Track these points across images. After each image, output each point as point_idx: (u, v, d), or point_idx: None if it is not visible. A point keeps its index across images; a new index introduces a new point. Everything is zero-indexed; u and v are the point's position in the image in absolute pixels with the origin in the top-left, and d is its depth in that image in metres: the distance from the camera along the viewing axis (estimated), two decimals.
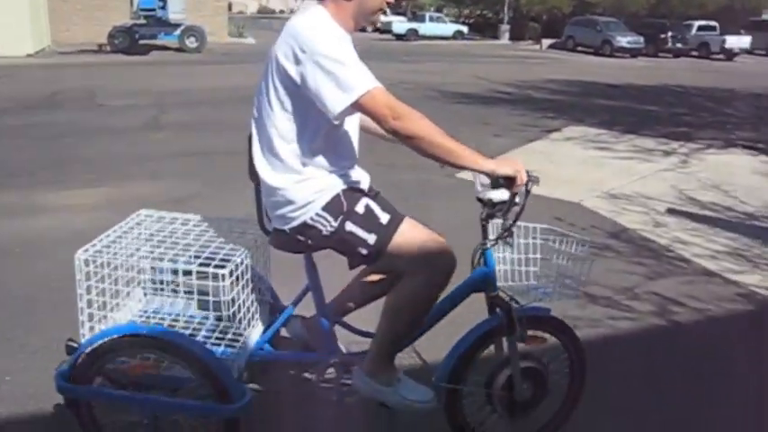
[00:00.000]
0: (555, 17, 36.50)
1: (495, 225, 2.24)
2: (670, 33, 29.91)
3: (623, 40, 28.77)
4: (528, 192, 2.08)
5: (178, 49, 22.04)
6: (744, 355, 3.40)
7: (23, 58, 18.35)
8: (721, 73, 21.92)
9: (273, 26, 45.55)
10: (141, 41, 21.83)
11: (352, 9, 2.13)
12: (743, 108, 13.04)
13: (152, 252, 2.28)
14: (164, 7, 21.64)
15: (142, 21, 21.90)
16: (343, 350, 2.43)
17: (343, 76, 1.97)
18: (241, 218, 2.57)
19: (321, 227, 2.15)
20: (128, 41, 21.30)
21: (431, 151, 2.01)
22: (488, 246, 2.25)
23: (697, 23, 31.77)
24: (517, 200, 2.09)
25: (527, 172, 2.06)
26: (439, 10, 42.59)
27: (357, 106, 1.99)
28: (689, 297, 3.99)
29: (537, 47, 32.65)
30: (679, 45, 29.92)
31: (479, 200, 2.16)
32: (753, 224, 5.62)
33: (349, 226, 2.14)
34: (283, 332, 2.54)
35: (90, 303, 2.23)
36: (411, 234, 2.16)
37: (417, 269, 2.14)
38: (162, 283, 2.40)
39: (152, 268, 2.39)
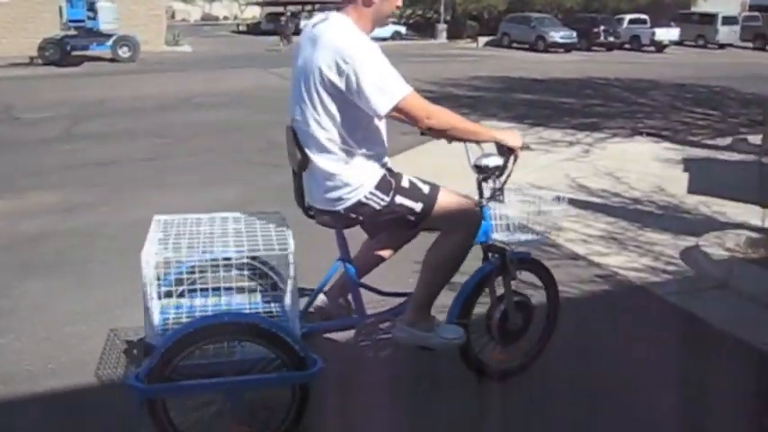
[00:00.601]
0: (494, 15, 37.04)
1: (487, 186, 2.75)
2: (602, 27, 30.63)
3: (556, 36, 29.37)
4: (516, 158, 2.65)
5: (111, 60, 21.72)
6: (585, 334, 3.59)
7: None
8: (649, 64, 22.61)
9: (213, 33, 45.29)
10: (73, 53, 21.44)
11: (371, 14, 2.50)
12: (659, 98, 13.49)
13: (203, 247, 2.49)
14: (94, 18, 21.32)
15: (74, 32, 21.53)
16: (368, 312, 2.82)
17: (383, 82, 2.38)
18: (255, 210, 2.87)
19: (374, 203, 2.56)
20: (59, 53, 20.86)
21: (459, 136, 2.56)
22: (484, 203, 2.76)
23: (628, 17, 32.67)
24: (509, 165, 2.64)
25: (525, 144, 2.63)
26: None
27: (397, 109, 2.40)
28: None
29: (474, 45, 33.07)
30: (611, 39, 30.66)
31: (476, 166, 2.69)
32: (636, 208, 5.88)
33: (399, 199, 2.57)
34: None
35: (154, 301, 2.43)
36: (448, 199, 2.63)
37: (455, 227, 2.63)
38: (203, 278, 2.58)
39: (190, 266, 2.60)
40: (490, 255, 2.86)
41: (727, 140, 8.79)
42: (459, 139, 2.59)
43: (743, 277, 4.21)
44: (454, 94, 13.05)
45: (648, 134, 9.41)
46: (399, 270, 3.32)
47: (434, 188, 2.64)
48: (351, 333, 2.83)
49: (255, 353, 2.41)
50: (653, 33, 30.90)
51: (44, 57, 20.76)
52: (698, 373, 3.23)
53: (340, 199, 2.56)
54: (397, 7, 2.60)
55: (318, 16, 2.59)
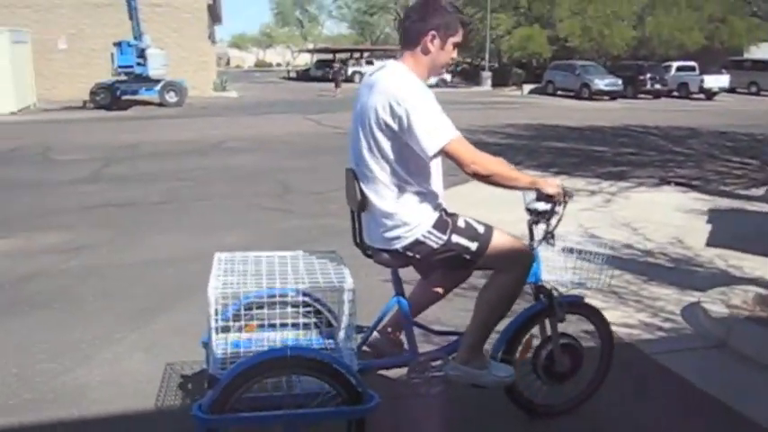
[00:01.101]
0: (541, 63, 37.08)
1: (539, 230, 2.80)
2: (649, 75, 30.28)
3: (601, 83, 29.15)
4: (565, 203, 2.70)
5: (159, 104, 22.49)
6: None
7: (6, 116, 18.74)
8: (693, 112, 22.15)
9: (262, 78, 46.54)
10: (123, 97, 22.34)
11: (427, 62, 2.65)
12: (696, 146, 13.14)
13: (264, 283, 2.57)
14: (144, 64, 22.19)
15: (124, 77, 22.43)
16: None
17: (433, 124, 2.49)
18: (309, 250, 2.96)
19: (431, 242, 2.64)
20: (109, 97, 21.79)
21: (501, 183, 2.59)
22: (534, 246, 2.83)
23: (676, 64, 32.24)
24: (558, 210, 2.70)
25: (564, 189, 2.67)
26: None
27: (443, 152, 2.49)
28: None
29: (518, 92, 33.09)
30: (658, 86, 30.24)
31: (528, 209, 2.76)
32: (645, 261, 5.64)
33: (455, 238, 2.66)
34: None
35: (219, 333, 2.53)
36: (502, 239, 2.71)
37: (509, 266, 2.70)
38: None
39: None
40: (541, 296, 2.92)
41: (761, 190, 8.45)
42: (502, 186, 2.63)
43: (743, 336, 3.95)
44: (484, 141, 12.96)
45: (677, 183, 9.12)
46: (450, 309, 3.38)
47: (489, 228, 2.73)
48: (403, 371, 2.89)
49: (314, 387, 2.49)
50: (702, 81, 30.36)
51: (95, 101, 21.72)
52: None
53: (398, 238, 2.65)
54: (452, 59, 2.74)
55: (377, 65, 2.76)
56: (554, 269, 2.95)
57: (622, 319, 4.33)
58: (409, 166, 2.59)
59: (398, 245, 2.66)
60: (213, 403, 2.33)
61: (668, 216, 7.26)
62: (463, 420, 3.13)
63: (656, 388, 3.49)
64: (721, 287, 4.69)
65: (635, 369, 3.69)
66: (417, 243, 2.65)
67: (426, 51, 2.63)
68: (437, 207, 2.71)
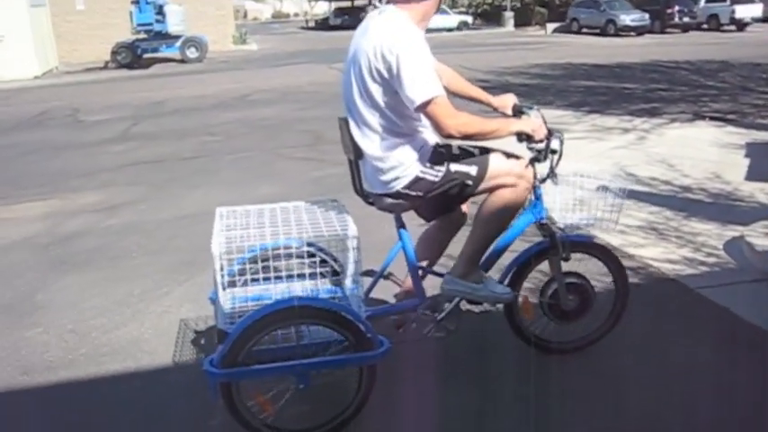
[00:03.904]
0: (564, 1, 36.04)
1: (540, 167, 2.75)
2: (677, 8, 29.25)
3: (627, 19, 28.28)
4: (561, 141, 2.68)
5: (180, 61, 22.39)
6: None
7: (30, 80, 18.84)
8: (724, 45, 21.45)
9: (281, 30, 46.00)
10: (144, 55, 22.25)
11: (423, 11, 2.60)
12: (729, 79, 12.77)
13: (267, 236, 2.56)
14: (163, 21, 22.01)
15: (144, 35, 22.31)
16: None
17: (421, 76, 2.43)
18: (313, 199, 2.96)
19: (431, 176, 2.63)
20: (130, 56, 21.72)
21: (481, 138, 2.59)
22: (537, 183, 2.78)
23: None
24: (555, 147, 2.66)
25: (549, 128, 2.68)
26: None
27: (427, 106, 2.45)
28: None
29: (542, 32, 32.32)
30: (687, 19, 29.22)
31: (528, 148, 2.70)
32: (684, 197, 5.57)
33: (454, 166, 2.66)
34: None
35: (225, 288, 2.53)
36: (500, 158, 2.71)
37: (510, 183, 2.67)
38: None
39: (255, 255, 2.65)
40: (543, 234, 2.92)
41: None
42: (484, 140, 2.62)
43: None
44: (510, 83, 12.75)
45: (712, 118, 8.91)
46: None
47: (485, 150, 2.74)
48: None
49: (323, 336, 2.51)
50: (733, 11, 29.26)
51: (116, 61, 21.69)
52: (721, 371, 3.01)
53: (397, 178, 2.64)
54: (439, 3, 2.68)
55: (376, 10, 2.67)
56: (564, 208, 2.88)
57: (664, 254, 4.31)
58: (399, 109, 2.56)
59: (398, 186, 2.65)
60: (224, 357, 2.34)
61: (704, 151, 7.11)
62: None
63: (703, 321, 3.48)
64: (765, 221, 4.62)
65: (680, 303, 3.68)
66: (417, 180, 2.64)
67: None
68: (429, 140, 2.70)
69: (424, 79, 2.44)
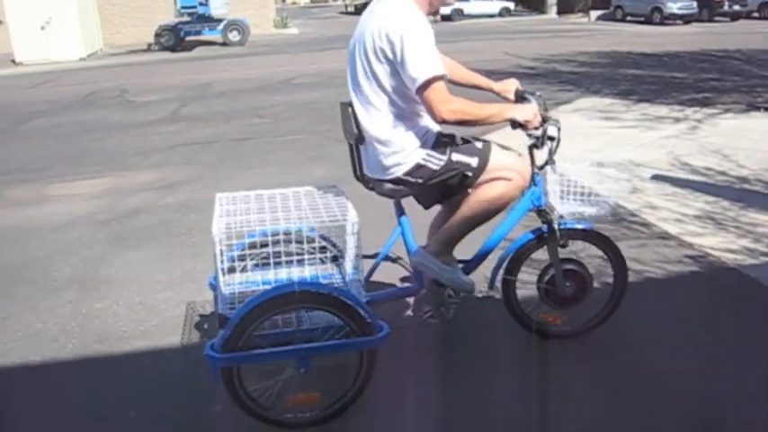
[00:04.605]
0: None
1: (538, 153, 2.78)
2: None
3: (674, 6, 27.60)
4: (559, 129, 2.69)
5: (222, 44, 22.60)
6: (662, 313, 3.42)
7: (76, 62, 19.22)
8: None
9: (320, 14, 46.03)
10: (187, 38, 22.52)
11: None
12: None
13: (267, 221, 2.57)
14: (206, 4, 22.22)
15: (187, 18, 22.56)
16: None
17: (423, 57, 2.45)
18: (312, 185, 2.99)
19: (432, 164, 2.64)
20: (173, 39, 22.00)
21: (474, 124, 2.57)
22: (535, 170, 2.81)
23: None
24: (553, 134, 2.68)
25: (543, 115, 2.68)
26: None
27: (422, 88, 2.47)
28: (632, 259, 3.93)
29: (585, 19, 31.80)
30: (736, 7, 28.44)
31: (527, 135, 2.72)
32: (741, 187, 5.47)
33: (455, 156, 2.67)
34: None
35: (225, 273, 2.56)
36: (501, 153, 2.74)
37: (507, 176, 2.68)
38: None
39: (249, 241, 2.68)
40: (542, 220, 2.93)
41: None
42: (478, 125, 2.62)
43: None
44: (557, 70, 12.62)
45: (767, 109, 8.72)
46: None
47: (487, 143, 2.75)
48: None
49: (323, 321, 2.51)
50: None
51: (160, 43, 21.98)
52: None
53: (398, 164, 2.66)
54: None
55: None
56: (561, 195, 2.88)
57: (723, 244, 4.26)
58: (405, 91, 2.57)
59: (399, 172, 2.66)
60: (225, 342, 2.35)
61: (760, 142, 6.97)
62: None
63: (765, 310, 3.46)
64: None
65: (741, 292, 3.65)
66: (418, 167, 2.65)
67: None
68: (433, 128, 2.71)
69: (426, 59, 2.46)
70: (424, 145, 2.65)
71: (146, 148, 7.64)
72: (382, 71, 2.55)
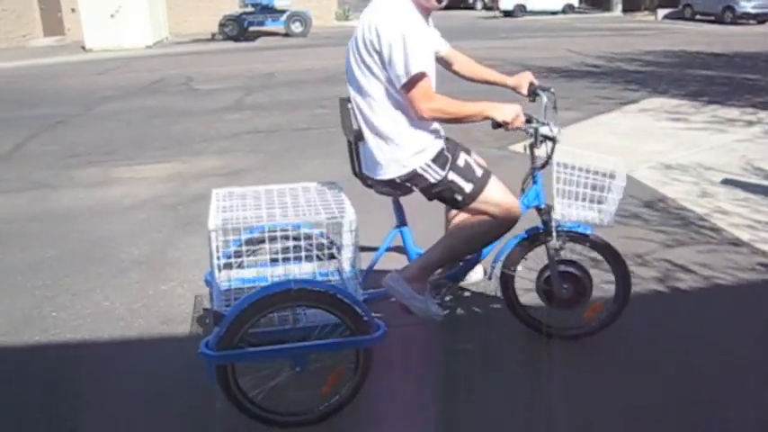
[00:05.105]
0: None
1: (538, 153, 2.78)
2: None
3: (747, 5, 26.53)
4: (559, 130, 2.69)
5: (285, 35, 22.86)
6: (739, 322, 3.31)
7: (143, 50, 19.74)
8: None
9: None
10: (250, 28, 22.86)
11: None
12: None
13: (264, 218, 2.56)
14: None
15: (250, 9, 22.90)
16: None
17: (411, 53, 2.42)
18: (309, 182, 2.98)
19: (429, 176, 2.61)
20: (237, 29, 22.36)
21: (456, 122, 2.57)
22: (534, 170, 2.83)
23: None
24: (549, 134, 2.68)
25: (528, 116, 2.64)
26: None
27: (407, 86, 2.46)
28: (701, 265, 3.87)
29: (652, 17, 30.98)
30: None
31: (527, 133, 2.71)
32: None
33: (452, 175, 2.63)
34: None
35: (219, 272, 2.52)
36: (496, 188, 2.68)
37: (495, 214, 2.66)
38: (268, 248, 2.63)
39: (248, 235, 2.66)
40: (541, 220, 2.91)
41: None
42: (459, 123, 2.60)
43: None
44: (622, 69, 12.33)
45: None
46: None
47: (486, 173, 2.70)
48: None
49: (320, 319, 2.48)
50: None
51: (224, 33, 22.36)
52: None
53: (395, 168, 2.62)
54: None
55: None
56: (567, 199, 2.82)
57: None
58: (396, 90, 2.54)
59: (396, 174, 2.63)
60: (220, 340, 2.33)
61: None
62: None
63: None
64: None
65: None
66: (416, 175, 2.62)
67: None
68: (437, 137, 2.67)
69: (411, 57, 2.44)
70: (424, 152, 2.61)
71: (211, 135, 7.79)
72: (373, 62, 2.53)
